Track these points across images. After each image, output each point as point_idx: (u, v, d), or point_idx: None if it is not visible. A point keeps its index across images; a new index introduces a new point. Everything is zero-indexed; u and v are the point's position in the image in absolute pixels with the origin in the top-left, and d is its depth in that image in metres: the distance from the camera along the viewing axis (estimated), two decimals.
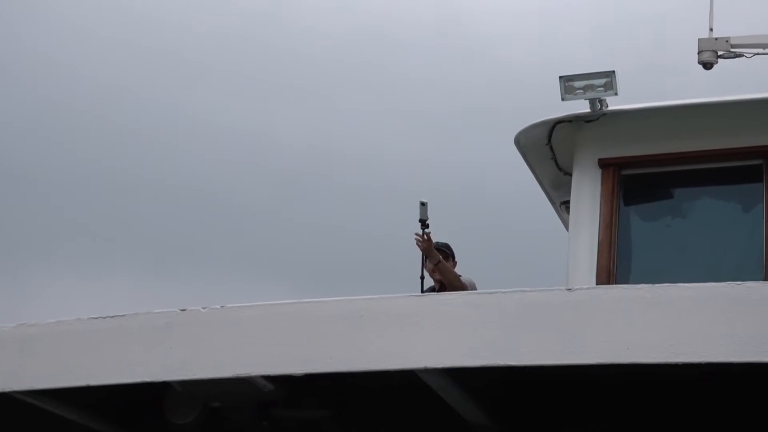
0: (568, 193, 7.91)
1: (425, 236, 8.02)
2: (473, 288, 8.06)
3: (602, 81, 7.33)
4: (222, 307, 4.42)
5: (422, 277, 8.37)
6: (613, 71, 7.30)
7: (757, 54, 8.84)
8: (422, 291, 8.23)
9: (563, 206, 8.38)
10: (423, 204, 8.10)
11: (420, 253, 8.23)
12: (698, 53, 8.97)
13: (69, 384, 4.50)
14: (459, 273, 8.30)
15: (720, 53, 8.86)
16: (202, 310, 4.42)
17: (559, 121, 7.65)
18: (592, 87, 7.36)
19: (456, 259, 8.44)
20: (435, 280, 8.28)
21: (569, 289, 4.45)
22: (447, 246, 8.44)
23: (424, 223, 8.09)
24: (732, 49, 8.86)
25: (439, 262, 8.07)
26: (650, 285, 4.11)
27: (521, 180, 8.52)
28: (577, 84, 7.37)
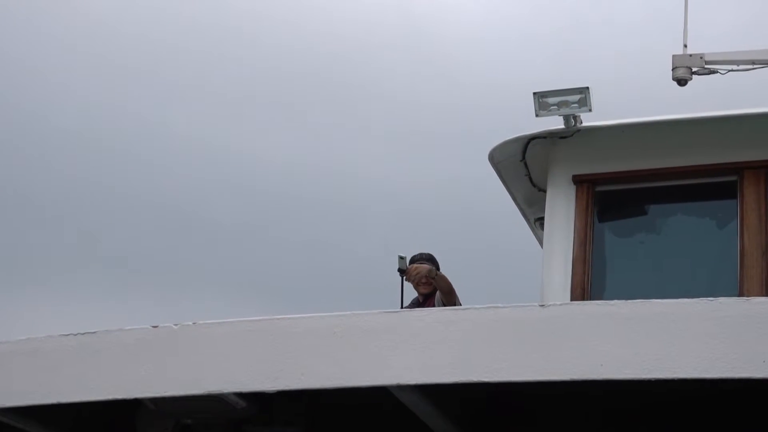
0: (543, 209, 7.92)
1: (416, 272, 8.23)
2: (457, 298, 8.18)
3: (576, 97, 7.33)
4: (194, 323, 4.41)
5: (402, 304, 8.42)
6: (587, 87, 7.30)
7: (732, 71, 8.89)
8: (402, 306, 8.28)
9: (537, 223, 8.40)
10: (402, 258, 8.32)
11: (401, 285, 8.39)
12: (672, 69, 9.01)
13: (39, 402, 4.48)
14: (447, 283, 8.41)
15: (694, 70, 8.91)
16: (174, 326, 4.41)
17: (533, 138, 7.66)
18: (566, 103, 7.37)
19: (440, 268, 8.52)
20: (421, 293, 8.34)
21: (542, 305, 4.44)
22: (430, 257, 8.51)
23: (402, 272, 8.30)
24: (706, 66, 8.90)
25: (437, 274, 8.20)
26: (624, 301, 4.11)
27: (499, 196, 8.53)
28: (551, 100, 7.38)
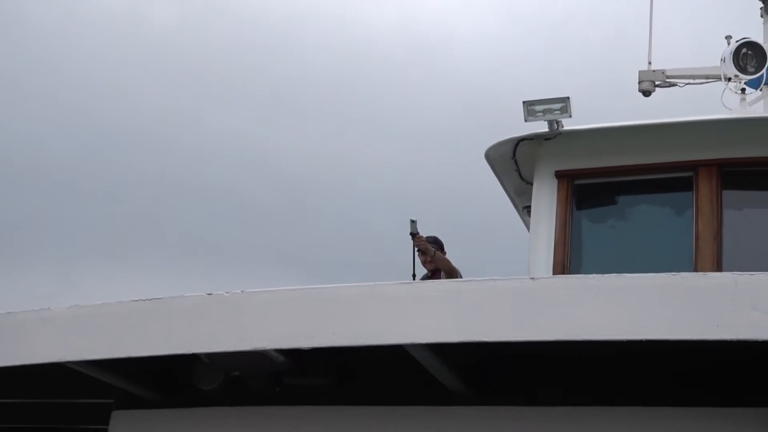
0: (530, 199, 7.92)
1: (421, 242, 8.14)
2: (459, 274, 8.17)
3: (559, 105, 7.33)
4: (242, 291, 4.39)
5: (414, 269, 8.40)
6: (568, 97, 7.29)
7: (689, 84, 8.89)
8: (414, 271, 8.29)
9: (525, 210, 8.39)
10: (413, 221, 8.24)
11: (412, 250, 8.32)
12: (639, 83, 9.02)
13: (113, 356, 4.49)
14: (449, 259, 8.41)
15: (657, 83, 8.91)
16: (225, 294, 4.38)
17: (522, 139, 7.66)
18: (550, 110, 7.36)
19: (445, 249, 8.51)
20: (428, 270, 8.35)
21: (533, 278, 4.46)
22: (436, 239, 8.51)
23: (414, 236, 8.22)
24: (667, 80, 8.91)
25: (435, 254, 8.19)
26: (601, 275, 4.10)
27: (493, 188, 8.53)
28: (538, 108, 7.37)
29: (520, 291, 4.10)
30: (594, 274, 4.18)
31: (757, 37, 8.70)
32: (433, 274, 8.32)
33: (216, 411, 5.04)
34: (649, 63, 8.91)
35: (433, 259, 8.24)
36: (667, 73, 8.95)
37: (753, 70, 8.31)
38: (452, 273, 8.20)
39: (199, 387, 4.88)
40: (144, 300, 4.52)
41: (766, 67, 8.32)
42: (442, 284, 5.21)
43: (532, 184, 7.82)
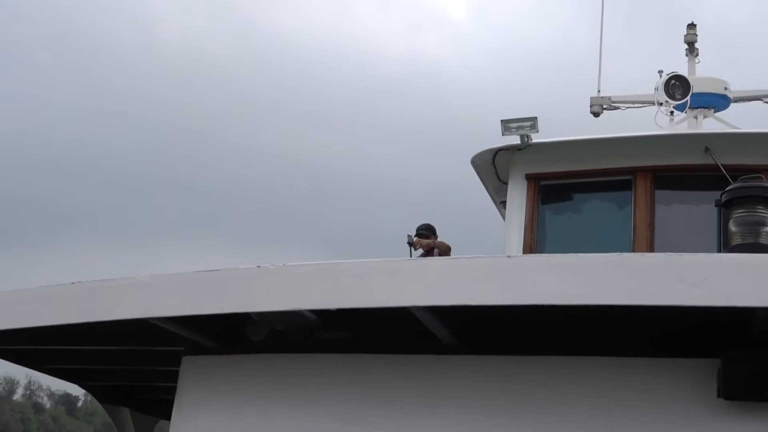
0: (505, 195, 7.94)
1: (419, 246, 8.39)
2: (450, 250, 8.24)
3: (529, 123, 7.33)
4: (284, 264, 4.38)
5: (410, 252, 8.50)
6: (536, 117, 7.31)
7: (629, 107, 8.91)
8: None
9: (501, 204, 8.40)
10: (409, 235, 8.46)
11: (406, 242, 8.48)
12: (590, 106, 9.04)
13: (184, 313, 4.51)
14: (442, 240, 8.48)
15: (605, 107, 8.92)
16: (270, 266, 4.38)
17: (500, 149, 7.66)
18: (522, 127, 7.36)
19: (437, 234, 8.53)
20: (424, 251, 8.45)
21: (509, 256, 4.47)
22: (429, 226, 8.54)
23: (410, 245, 8.46)
24: (612, 104, 8.93)
25: (434, 242, 8.32)
26: (563, 254, 4.11)
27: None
28: (512, 125, 7.37)
29: (499, 266, 4.10)
30: (556, 254, 4.19)
31: (683, 72, 8.74)
32: (427, 253, 8.35)
33: (262, 357, 5.03)
34: (599, 91, 8.94)
35: (435, 246, 8.34)
36: (612, 99, 8.99)
37: (680, 97, 8.35)
38: (447, 251, 8.24)
39: (249, 339, 4.88)
40: (208, 270, 4.52)
41: (689, 95, 8.35)
42: (439, 260, 5.21)
43: (507, 183, 7.80)
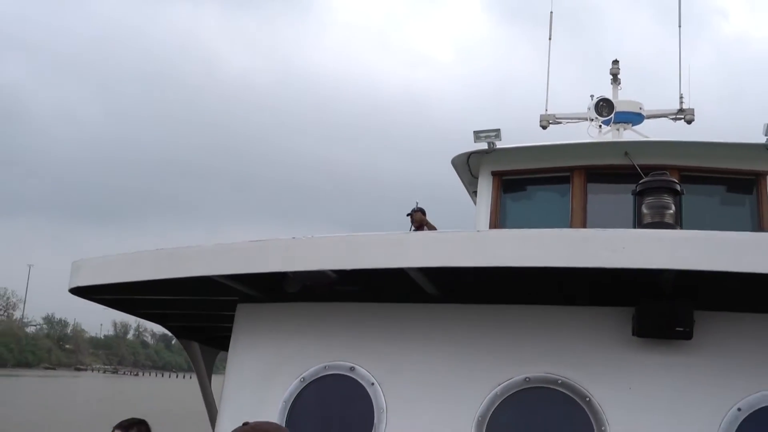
0: (476, 187, 7.89)
1: (414, 216, 8.30)
2: (435, 228, 8.20)
3: (494, 133, 7.40)
4: (311, 236, 4.38)
5: (411, 221, 8.46)
6: (499, 129, 7.40)
7: (568, 122, 8.91)
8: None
9: (473, 194, 8.37)
10: (411, 210, 8.39)
11: (407, 213, 8.42)
12: (540, 122, 9.03)
13: (240, 272, 4.50)
14: (430, 221, 8.45)
15: (550, 122, 8.93)
16: (303, 238, 4.38)
17: (472, 153, 7.66)
18: (489, 136, 7.42)
19: (426, 214, 8.53)
20: (415, 227, 8.41)
21: (479, 231, 4.49)
22: (422, 208, 8.52)
23: (411, 215, 8.38)
24: (557, 120, 8.93)
25: (424, 220, 8.27)
26: (518, 229, 4.18)
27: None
28: (482, 134, 7.42)
29: (472, 238, 4.13)
30: (515, 229, 4.23)
31: (609, 95, 8.75)
32: (418, 228, 8.35)
33: (296, 305, 5.05)
34: (546, 110, 8.93)
35: (425, 223, 8.33)
36: (556, 116, 8.97)
37: (606, 114, 8.39)
38: (433, 228, 8.23)
39: (286, 291, 4.87)
40: (256, 240, 4.52)
41: (613, 113, 8.38)
42: (428, 234, 5.24)
43: (478, 178, 7.78)
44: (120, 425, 4.66)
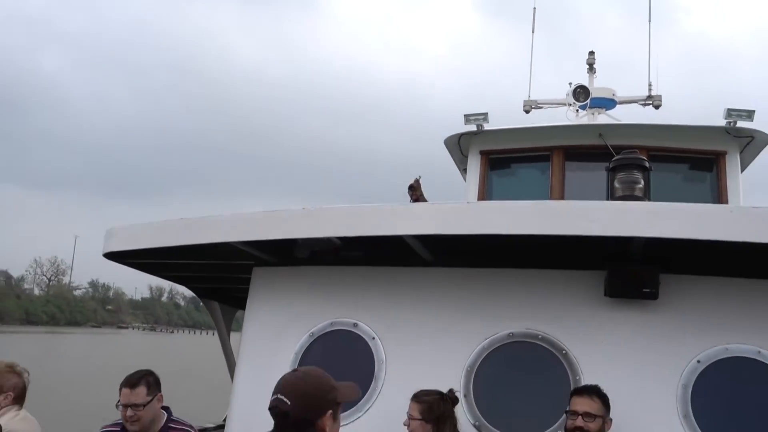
0: (466, 165, 7.82)
1: (416, 192, 8.10)
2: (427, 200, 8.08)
3: (482, 116, 7.27)
4: (319, 207, 4.33)
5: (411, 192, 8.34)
6: (487, 112, 7.27)
7: (549, 107, 8.79)
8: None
9: (463, 171, 8.32)
10: (414, 182, 8.09)
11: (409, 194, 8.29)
12: (523, 106, 8.88)
13: (255, 238, 4.47)
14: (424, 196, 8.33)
15: (533, 106, 8.79)
16: (312, 209, 4.33)
17: (462, 134, 7.55)
18: (477, 119, 7.29)
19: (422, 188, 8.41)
20: (412, 200, 8.27)
21: (469, 202, 4.43)
22: (417, 182, 8.40)
23: (411, 188, 8.03)
24: (538, 105, 8.79)
25: (420, 194, 8.13)
26: (505, 201, 4.12)
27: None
28: (471, 117, 7.29)
29: (463, 208, 4.08)
30: (501, 200, 4.17)
31: (585, 83, 8.62)
32: (415, 200, 8.25)
33: (305, 268, 5.01)
34: (529, 95, 8.80)
35: (421, 196, 8.18)
36: (538, 101, 8.83)
37: (582, 100, 8.24)
38: (425, 200, 8.12)
39: (297, 256, 4.84)
40: (270, 211, 4.48)
41: (589, 99, 8.25)
42: (423, 204, 5.19)
43: (467, 156, 7.69)
44: (128, 381, 4.39)
